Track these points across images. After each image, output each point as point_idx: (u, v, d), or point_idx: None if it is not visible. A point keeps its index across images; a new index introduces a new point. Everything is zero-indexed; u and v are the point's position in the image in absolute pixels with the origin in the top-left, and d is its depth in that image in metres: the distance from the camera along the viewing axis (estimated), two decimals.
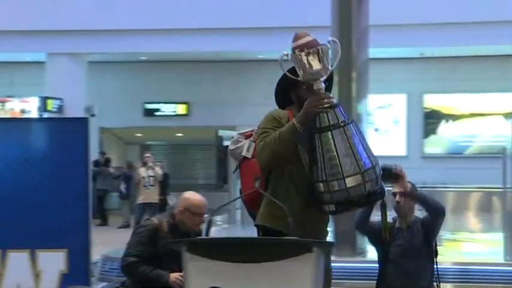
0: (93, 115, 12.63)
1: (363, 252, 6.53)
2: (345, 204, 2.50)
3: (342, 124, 2.42)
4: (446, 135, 13.62)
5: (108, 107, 14.25)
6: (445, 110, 13.66)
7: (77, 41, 13.34)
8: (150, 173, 10.27)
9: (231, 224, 8.68)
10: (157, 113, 15.62)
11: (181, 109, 15.58)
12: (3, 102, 14.00)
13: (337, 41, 2.57)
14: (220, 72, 14.71)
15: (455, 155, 13.47)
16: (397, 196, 3.34)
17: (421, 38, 12.00)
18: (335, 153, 2.43)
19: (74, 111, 12.35)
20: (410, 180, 3.96)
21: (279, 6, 12.46)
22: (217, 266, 2.44)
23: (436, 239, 3.44)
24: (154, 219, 3.55)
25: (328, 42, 2.51)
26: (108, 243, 7.47)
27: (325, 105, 2.41)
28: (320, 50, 2.42)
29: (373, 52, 7.26)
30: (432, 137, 13.64)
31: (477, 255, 6.90)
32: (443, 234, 6.87)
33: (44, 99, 12.79)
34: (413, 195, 3.30)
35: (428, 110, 13.61)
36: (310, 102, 2.43)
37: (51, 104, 12.71)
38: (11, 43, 12.76)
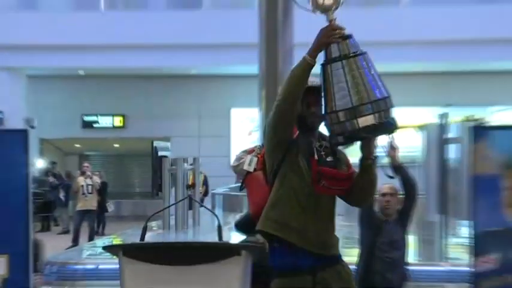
0: (32, 127, 12.44)
1: None
2: (353, 135, 2.41)
3: (352, 55, 2.36)
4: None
5: (48, 119, 14.35)
6: None
7: (15, 55, 13.37)
8: (89, 181, 10.36)
9: (165, 230, 8.58)
10: (95, 125, 15.77)
11: (117, 121, 15.77)
12: None
13: None
14: (154, 86, 15.07)
15: None
16: (387, 196, 3.42)
17: None
18: (345, 84, 2.37)
19: (14, 123, 12.37)
20: None
21: (212, 24, 12.89)
22: (153, 269, 2.45)
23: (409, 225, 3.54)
24: None
25: None
26: (49, 248, 7.60)
27: (337, 36, 2.36)
28: None
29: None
30: (350, 148, 14.57)
31: None
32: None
33: None
34: (402, 169, 3.34)
35: None
36: (323, 32, 2.39)
37: None
38: None
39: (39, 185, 12.14)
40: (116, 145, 17.76)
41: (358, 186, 2.47)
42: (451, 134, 6.59)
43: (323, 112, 2.39)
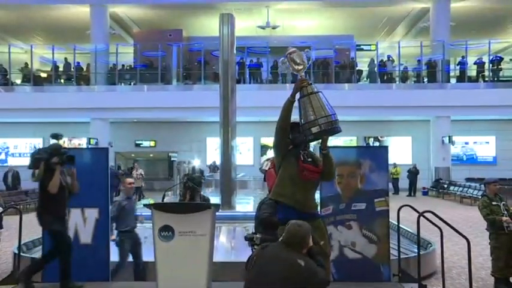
0: (111, 146, 20.22)
1: (234, 208, 9.28)
2: (324, 130, 3.82)
3: (318, 91, 3.88)
4: (270, 155, 24.47)
5: (119, 142, 22.41)
6: (269, 145, 23.38)
7: (105, 112, 20.86)
8: (137, 172, 17.95)
9: (174, 196, 10.96)
10: (141, 145, 24.52)
11: (152, 143, 24.46)
12: None
13: (309, 50, 4.36)
14: (170, 126, 23.51)
15: None
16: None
17: None
18: (319, 104, 3.81)
19: (103, 145, 19.27)
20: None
21: (198, 97, 19.59)
22: (169, 216, 4.33)
23: None
24: None
25: (305, 51, 4.07)
26: None
27: (305, 83, 3.90)
28: (298, 52, 4.00)
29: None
30: (264, 156, 24.10)
31: None
32: None
33: None
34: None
35: (262, 144, 24.68)
36: (297, 83, 3.92)
37: None
38: None
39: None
40: (151, 155, 25.34)
41: (324, 169, 3.97)
42: None
43: (301, 123, 3.83)
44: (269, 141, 24.01)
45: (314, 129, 3.82)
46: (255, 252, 3.49)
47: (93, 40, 23.01)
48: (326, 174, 4.03)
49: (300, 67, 4.02)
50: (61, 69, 23.66)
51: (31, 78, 22.85)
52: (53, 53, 22.83)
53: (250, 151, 24.85)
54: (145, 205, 4.74)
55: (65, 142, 23.82)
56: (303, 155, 3.95)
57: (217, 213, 4.57)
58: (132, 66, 23.66)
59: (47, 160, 5.16)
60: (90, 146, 20.44)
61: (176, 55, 23.00)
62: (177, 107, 20.81)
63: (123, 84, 22.93)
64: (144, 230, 6.32)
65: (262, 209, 5.08)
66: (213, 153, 23.28)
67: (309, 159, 3.98)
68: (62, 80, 23.84)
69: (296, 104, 4.00)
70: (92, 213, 5.59)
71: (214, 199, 8.03)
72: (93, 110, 21.19)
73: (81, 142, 23.32)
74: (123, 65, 23.73)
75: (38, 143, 23.61)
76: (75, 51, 22.82)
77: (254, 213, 4.69)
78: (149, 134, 24.53)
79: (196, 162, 21.51)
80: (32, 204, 16.05)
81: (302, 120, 3.90)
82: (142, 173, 18.45)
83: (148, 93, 21.61)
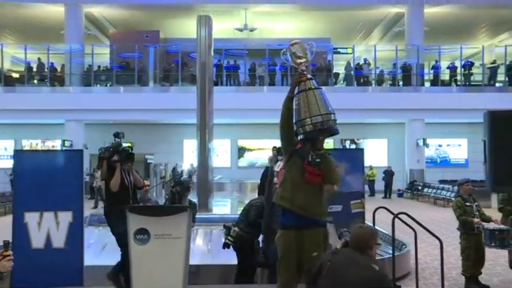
0: (86, 148, 19.43)
1: (211, 210, 9.49)
2: (317, 130, 3.57)
3: (317, 87, 3.64)
4: (247, 158, 24.81)
5: (93, 144, 19.20)
6: (247, 147, 24.74)
7: (79, 114, 20.54)
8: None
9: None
10: None
11: (128, 145, 24.67)
12: None
13: (314, 43, 3.81)
14: (146, 128, 23.05)
15: (252, 166, 23.76)
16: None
17: None
18: (315, 101, 3.55)
19: (78, 147, 18.95)
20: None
21: (177, 99, 19.44)
22: (145, 218, 4.27)
23: None
24: None
25: (309, 43, 3.77)
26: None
27: (303, 78, 3.62)
28: (301, 44, 3.72)
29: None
30: (241, 158, 24.73)
31: None
32: None
33: None
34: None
35: (240, 146, 24.71)
36: (296, 77, 3.71)
37: None
38: None
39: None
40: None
41: (323, 172, 3.63)
42: None
43: (294, 121, 3.59)
44: (246, 143, 24.34)
45: (307, 128, 3.61)
46: (326, 258, 3.30)
47: (67, 40, 22.66)
48: (325, 178, 3.72)
49: (302, 60, 3.78)
50: (34, 69, 23.23)
51: (1, 78, 22.34)
52: (25, 53, 22.38)
53: (227, 153, 24.83)
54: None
55: (37, 144, 23.72)
56: (312, 155, 3.67)
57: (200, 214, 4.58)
58: (108, 67, 23.38)
59: (108, 159, 5.15)
60: (64, 148, 20.05)
61: (153, 56, 22.84)
62: (153, 108, 20.69)
63: (99, 85, 22.62)
64: None
65: (252, 210, 5.11)
66: (190, 155, 23.18)
67: (318, 160, 3.68)
68: (35, 81, 23.39)
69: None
70: (66, 217, 5.48)
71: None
72: (68, 111, 20.92)
73: (55, 144, 22.93)
74: (99, 66, 23.43)
75: (10, 145, 23.05)
76: (49, 51, 22.42)
77: (231, 216, 4.68)
78: (125, 136, 24.11)
79: (186, 166, 21.28)
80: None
81: (295, 118, 3.71)
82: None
83: (124, 94, 21.47)
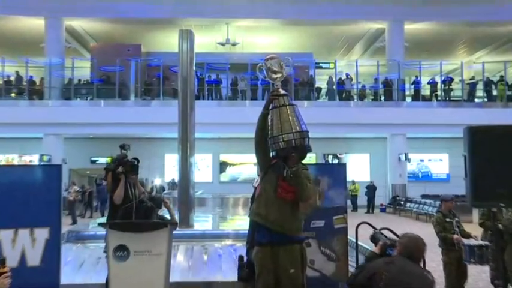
0: (65, 162, 19.94)
1: (192, 226, 8.99)
2: (288, 147, 3.53)
3: (290, 104, 3.64)
4: (229, 172, 24.80)
5: (73, 159, 21.81)
6: (229, 161, 24.74)
7: (59, 128, 20.23)
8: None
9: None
10: (96, 162, 23.46)
11: (108, 160, 23.20)
12: None
13: (290, 58, 3.86)
14: (127, 142, 23.84)
15: (234, 180, 24.17)
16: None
17: None
18: (289, 118, 3.52)
19: (57, 161, 19.22)
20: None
21: (158, 113, 19.69)
22: (125, 235, 4.17)
23: None
24: None
25: (285, 59, 3.77)
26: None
27: (277, 94, 3.63)
28: (277, 59, 3.71)
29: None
30: (223, 173, 24.71)
31: None
32: None
33: None
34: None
35: (222, 161, 24.76)
36: (270, 93, 3.71)
37: None
38: None
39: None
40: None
41: (296, 189, 3.57)
42: None
43: (271, 137, 3.55)
44: (228, 157, 24.25)
45: (279, 145, 3.60)
46: (380, 268, 3.20)
47: (47, 53, 22.50)
48: (299, 196, 3.69)
49: (277, 76, 3.79)
50: (13, 82, 22.98)
51: None
52: (3, 66, 22.17)
53: (209, 168, 24.87)
54: (100, 224, 4.69)
55: (14, 159, 23.28)
56: (287, 170, 3.63)
57: (174, 232, 4.51)
58: (89, 80, 23.28)
59: (113, 170, 5.18)
60: (42, 163, 19.86)
61: (134, 70, 22.88)
62: (134, 122, 20.62)
63: (79, 99, 22.53)
64: (97, 250, 6.14)
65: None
66: (171, 170, 23.07)
67: (291, 176, 3.66)
68: (13, 94, 23.11)
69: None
70: (42, 234, 5.34)
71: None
72: (47, 125, 20.67)
73: (33, 159, 22.70)
74: (79, 80, 23.32)
75: None
76: (27, 64, 22.20)
77: (213, 232, 4.62)
78: (105, 151, 23.13)
79: (158, 181, 21.10)
80: None
81: (269, 135, 3.71)
82: (77, 189, 18.67)
83: (105, 108, 21.40)
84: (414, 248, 3.24)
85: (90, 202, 20.24)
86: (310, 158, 22.78)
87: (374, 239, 3.87)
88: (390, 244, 3.60)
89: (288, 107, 3.68)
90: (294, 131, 3.58)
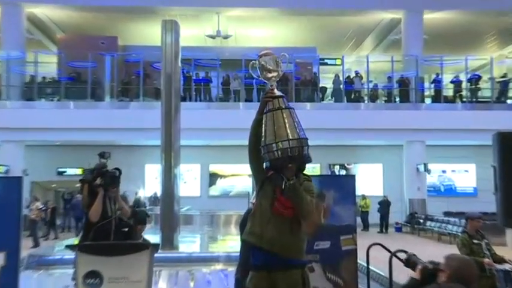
0: (26, 174, 19.47)
1: (177, 248, 9.15)
2: (284, 157, 3.51)
3: (286, 108, 3.64)
4: (220, 185, 24.66)
5: (36, 170, 21.44)
6: (220, 173, 24.68)
7: (19, 133, 19.80)
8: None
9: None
10: (64, 173, 23.39)
11: (79, 171, 21.99)
12: None
13: (286, 55, 3.89)
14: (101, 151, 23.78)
15: (226, 195, 24.13)
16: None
17: None
18: (283, 123, 3.53)
19: (16, 173, 18.36)
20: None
21: (138, 115, 19.58)
22: (97, 258, 4.09)
23: None
24: None
25: (281, 55, 3.81)
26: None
27: (272, 96, 3.66)
28: (272, 55, 3.73)
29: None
30: (213, 186, 24.62)
31: None
32: None
33: None
34: None
35: (212, 172, 24.72)
36: (264, 95, 3.74)
37: None
38: None
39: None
40: (77, 185, 24.05)
41: (294, 206, 3.55)
42: None
43: (264, 144, 3.55)
44: (219, 168, 24.23)
45: (274, 154, 3.57)
46: None
47: (4, 46, 22.38)
48: (297, 211, 3.64)
49: (272, 74, 3.79)
50: None
51: None
52: None
53: (197, 180, 24.74)
54: (67, 246, 4.63)
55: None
56: (285, 182, 3.59)
57: (156, 255, 4.48)
58: (56, 78, 23.16)
59: (89, 183, 4.99)
60: None
61: (110, 67, 22.73)
62: (110, 127, 20.50)
63: (43, 100, 22.42)
64: (64, 278, 6.10)
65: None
66: (153, 182, 23.00)
67: (288, 189, 3.63)
68: None
69: None
70: None
71: (154, 237, 7.88)
72: (4, 130, 20.46)
73: None
74: (43, 77, 23.16)
75: None
76: None
77: (201, 255, 4.60)
78: (75, 160, 23.29)
79: (141, 193, 20.97)
80: None
81: (262, 142, 3.68)
82: (40, 206, 18.50)
83: (75, 111, 21.38)
84: (467, 272, 3.17)
85: (53, 221, 20.08)
86: (314, 169, 22.90)
87: (410, 262, 3.78)
88: (433, 268, 3.47)
89: (283, 110, 3.68)
90: (290, 138, 3.56)
